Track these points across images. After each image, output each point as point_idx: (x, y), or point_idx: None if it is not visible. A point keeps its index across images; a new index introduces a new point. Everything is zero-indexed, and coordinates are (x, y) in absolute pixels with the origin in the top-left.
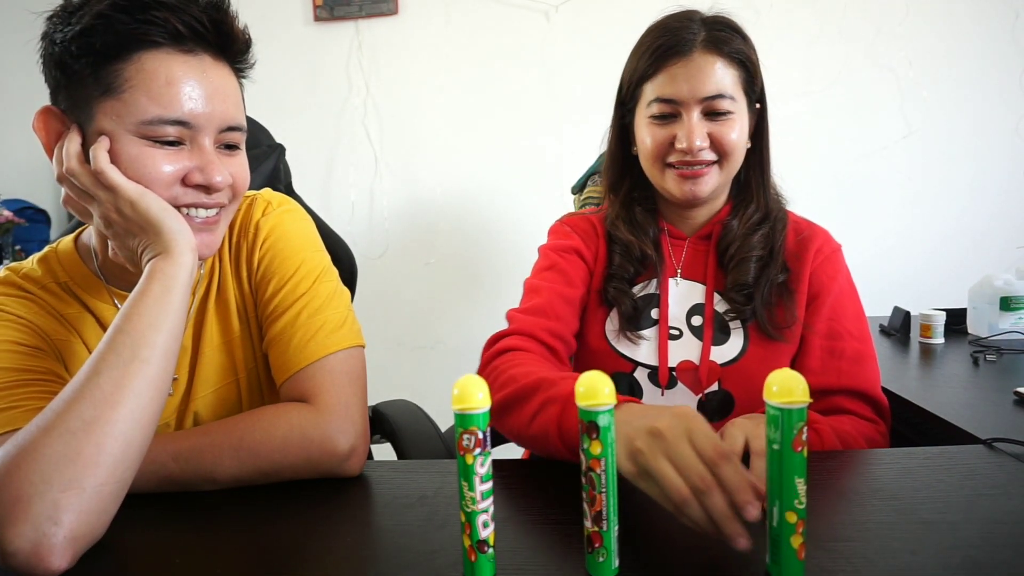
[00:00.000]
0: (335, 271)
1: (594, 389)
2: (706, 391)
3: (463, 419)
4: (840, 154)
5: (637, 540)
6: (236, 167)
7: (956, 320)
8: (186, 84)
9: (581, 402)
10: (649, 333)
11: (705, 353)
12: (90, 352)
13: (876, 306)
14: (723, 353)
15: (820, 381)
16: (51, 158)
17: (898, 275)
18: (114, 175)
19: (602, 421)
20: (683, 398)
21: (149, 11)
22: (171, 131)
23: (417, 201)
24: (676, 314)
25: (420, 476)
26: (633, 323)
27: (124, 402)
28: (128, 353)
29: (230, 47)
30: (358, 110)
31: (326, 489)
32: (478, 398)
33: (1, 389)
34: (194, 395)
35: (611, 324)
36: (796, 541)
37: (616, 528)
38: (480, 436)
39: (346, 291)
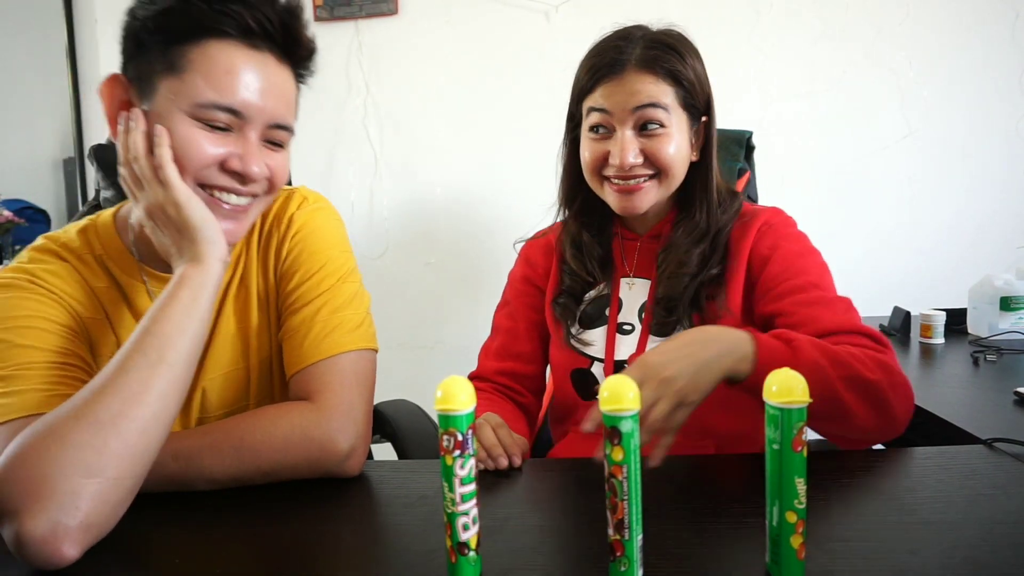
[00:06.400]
0: (359, 275)
1: (618, 394)
2: None
3: (445, 420)
4: (840, 154)
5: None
6: (277, 161)
7: (956, 320)
8: (245, 75)
9: (604, 407)
10: (602, 331)
11: (640, 346)
12: (115, 332)
13: (876, 306)
14: None
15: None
16: (111, 125)
17: (898, 275)
18: (171, 173)
19: (624, 427)
20: None
21: (227, 3)
22: (222, 117)
23: (417, 201)
24: (630, 310)
25: (420, 476)
26: (586, 325)
27: (149, 401)
28: (155, 355)
29: (294, 52)
30: (358, 110)
31: (326, 489)
32: (461, 399)
33: (30, 369)
34: (204, 374)
35: (572, 327)
36: (796, 541)
37: (640, 537)
38: (460, 438)
39: (368, 295)
